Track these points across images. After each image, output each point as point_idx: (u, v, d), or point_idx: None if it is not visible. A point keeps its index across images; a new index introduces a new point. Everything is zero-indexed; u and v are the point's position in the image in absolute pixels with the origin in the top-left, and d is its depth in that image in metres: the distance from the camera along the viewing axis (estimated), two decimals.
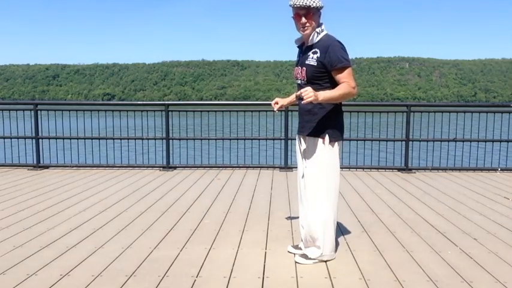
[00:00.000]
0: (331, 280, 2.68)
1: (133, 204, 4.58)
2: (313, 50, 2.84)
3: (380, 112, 7.02)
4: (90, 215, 4.14)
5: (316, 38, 2.85)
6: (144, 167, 6.92)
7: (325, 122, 2.85)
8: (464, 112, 6.96)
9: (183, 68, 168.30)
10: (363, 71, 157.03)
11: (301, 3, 2.76)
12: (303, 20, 2.81)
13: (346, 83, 2.75)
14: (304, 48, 2.96)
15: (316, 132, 2.88)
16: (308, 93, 2.60)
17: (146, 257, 3.06)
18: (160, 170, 6.72)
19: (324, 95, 2.70)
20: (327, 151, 2.87)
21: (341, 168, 6.56)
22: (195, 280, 2.68)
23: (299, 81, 2.98)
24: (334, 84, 2.81)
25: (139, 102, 9.89)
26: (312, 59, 2.83)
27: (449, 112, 6.71)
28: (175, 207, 4.50)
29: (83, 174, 6.31)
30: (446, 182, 5.82)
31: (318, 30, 2.86)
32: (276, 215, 4.18)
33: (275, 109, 3.09)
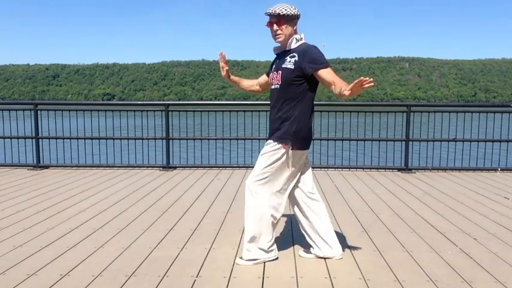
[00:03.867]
0: (331, 280, 2.68)
1: (133, 204, 4.58)
2: (291, 54, 2.86)
3: (380, 112, 7.02)
4: (90, 215, 4.14)
5: (294, 44, 2.88)
6: (144, 167, 6.92)
7: (287, 129, 2.93)
8: (464, 112, 6.96)
9: (183, 68, 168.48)
10: (363, 71, 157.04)
11: (271, 11, 2.82)
12: (275, 27, 2.86)
13: (337, 81, 2.67)
14: (281, 53, 2.98)
15: (276, 136, 2.97)
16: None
17: (146, 257, 3.06)
18: (160, 170, 6.72)
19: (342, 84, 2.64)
20: (273, 152, 2.95)
21: (341, 168, 6.74)
22: (195, 280, 2.68)
23: (273, 86, 3.01)
24: (309, 87, 2.85)
25: (139, 102, 9.87)
26: (290, 62, 2.84)
27: (449, 112, 6.71)
28: (175, 207, 4.50)
29: (83, 174, 6.31)
30: (446, 182, 5.82)
31: (297, 37, 2.88)
32: None
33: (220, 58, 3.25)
